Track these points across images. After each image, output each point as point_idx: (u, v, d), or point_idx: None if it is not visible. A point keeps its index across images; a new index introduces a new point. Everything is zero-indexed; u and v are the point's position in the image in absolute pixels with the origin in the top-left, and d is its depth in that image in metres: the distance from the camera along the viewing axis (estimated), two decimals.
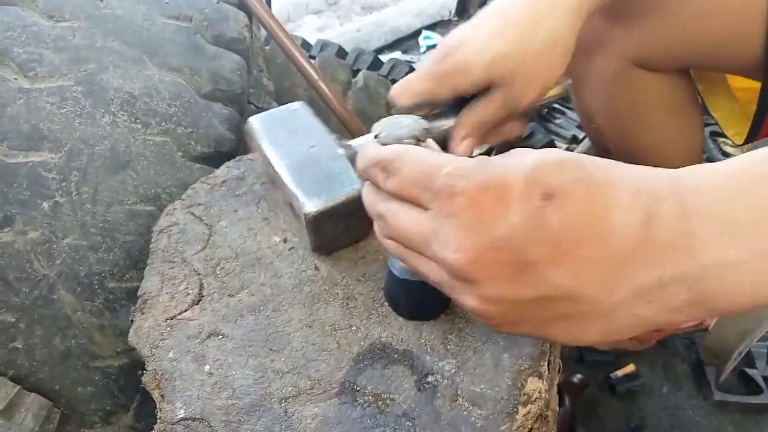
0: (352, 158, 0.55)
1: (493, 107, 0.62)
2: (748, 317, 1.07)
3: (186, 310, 0.59)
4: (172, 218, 0.68)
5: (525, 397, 0.51)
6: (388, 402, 0.52)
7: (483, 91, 0.61)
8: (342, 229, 0.60)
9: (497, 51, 0.59)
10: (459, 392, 0.51)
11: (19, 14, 0.80)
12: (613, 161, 0.36)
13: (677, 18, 0.80)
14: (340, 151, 0.59)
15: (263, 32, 1.19)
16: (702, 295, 0.33)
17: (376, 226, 0.45)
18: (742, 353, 1.14)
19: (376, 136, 0.45)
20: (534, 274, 0.34)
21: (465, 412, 0.50)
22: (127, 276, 0.75)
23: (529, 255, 0.34)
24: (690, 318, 0.35)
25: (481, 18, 0.62)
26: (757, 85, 0.86)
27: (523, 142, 1.40)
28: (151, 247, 0.66)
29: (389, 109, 1.47)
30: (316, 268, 0.62)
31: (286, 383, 0.53)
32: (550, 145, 1.46)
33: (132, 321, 0.60)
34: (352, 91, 1.40)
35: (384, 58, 1.62)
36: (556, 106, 1.69)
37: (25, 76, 0.76)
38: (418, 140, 0.44)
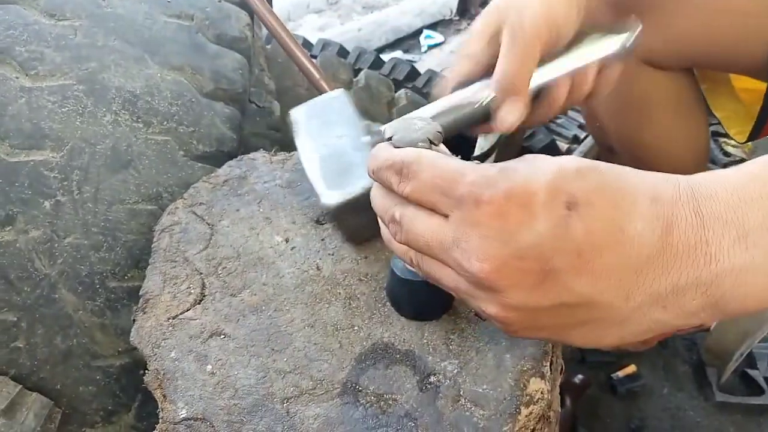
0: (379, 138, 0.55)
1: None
2: (750, 318, 1.07)
3: (188, 310, 0.59)
4: (173, 217, 0.68)
5: (527, 397, 0.51)
6: (390, 402, 0.52)
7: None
8: (368, 219, 0.59)
9: None
10: (461, 393, 0.51)
11: (20, 13, 0.80)
12: (630, 168, 0.37)
13: (685, 15, 0.80)
14: (365, 139, 0.59)
15: (264, 31, 1.19)
16: (716, 299, 0.34)
17: (386, 230, 0.45)
18: (743, 354, 1.13)
19: (388, 138, 0.45)
20: (556, 282, 0.35)
21: (467, 413, 0.50)
22: (129, 275, 0.75)
23: (553, 263, 0.34)
24: (704, 321, 0.36)
25: None
26: (760, 86, 0.86)
27: (525, 142, 1.40)
28: (152, 246, 0.66)
29: (390, 108, 1.47)
30: (318, 268, 0.62)
31: (288, 383, 0.53)
32: (552, 144, 1.46)
33: (134, 320, 0.59)
34: (353, 91, 1.40)
35: (385, 57, 1.62)
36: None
37: (27, 75, 0.76)
38: (431, 143, 0.44)
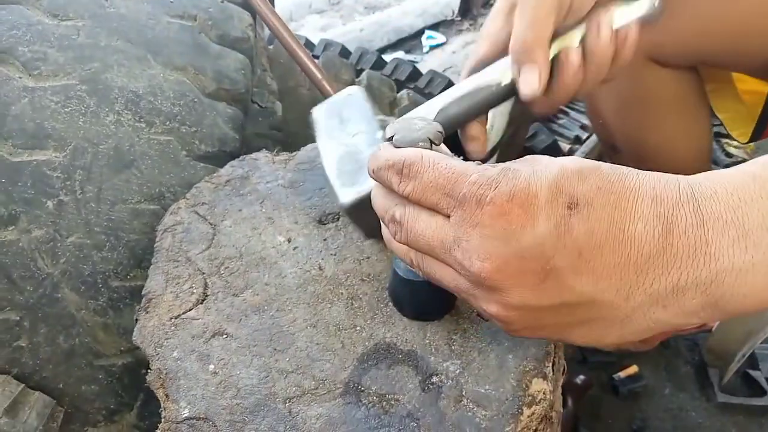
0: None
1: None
2: (752, 319, 1.07)
3: (190, 310, 0.59)
4: (176, 217, 0.68)
5: (530, 398, 0.51)
6: (392, 402, 0.52)
7: None
8: None
9: None
10: (463, 393, 0.51)
11: (23, 13, 0.80)
12: (631, 169, 0.37)
13: (693, 11, 0.80)
14: (379, 135, 0.59)
15: (267, 31, 1.19)
16: (716, 298, 0.34)
17: (386, 230, 0.45)
18: (745, 355, 1.13)
19: (389, 139, 0.45)
20: (557, 281, 0.35)
21: (469, 413, 0.50)
22: (131, 275, 0.75)
23: (554, 263, 0.35)
24: (704, 320, 0.36)
25: None
26: (763, 89, 0.86)
27: (527, 142, 1.40)
28: (155, 246, 0.66)
29: (393, 108, 1.46)
30: (320, 268, 0.62)
31: (291, 383, 0.53)
32: (554, 145, 1.46)
33: (136, 320, 0.60)
34: None
35: (387, 57, 1.62)
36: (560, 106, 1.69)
37: (30, 75, 0.76)
38: (432, 143, 0.44)
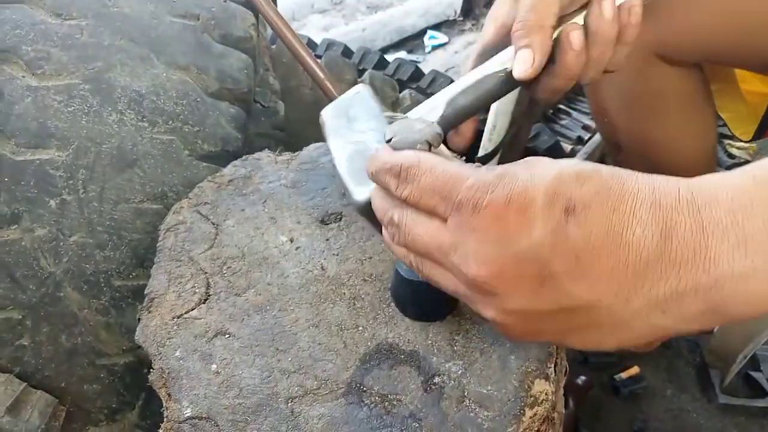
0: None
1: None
2: (754, 321, 1.07)
3: (193, 309, 0.59)
4: (179, 217, 0.68)
5: (532, 399, 0.51)
6: (394, 403, 0.52)
7: None
8: None
9: None
10: (466, 393, 0.51)
11: (26, 12, 0.80)
12: (631, 172, 0.36)
13: (701, 7, 0.80)
14: (387, 131, 0.58)
15: (269, 31, 1.19)
16: (716, 304, 0.34)
17: (386, 232, 0.45)
18: (747, 356, 1.13)
19: (388, 141, 0.45)
20: (554, 286, 0.35)
21: (472, 414, 0.50)
22: (134, 274, 0.75)
23: (551, 268, 0.34)
24: (704, 326, 0.36)
25: None
26: (766, 90, 0.86)
27: (529, 143, 1.40)
28: (158, 245, 0.66)
29: (395, 108, 1.46)
30: (323, 268, 0.62)
31: (293, 383, 0.53)
32: (556, 145, 1.46)
33: (139, 319, 0.60)
34: None
35: (389, 57, 1.62)
36: (562, 107, 1.69)
37: (33, 74, 0.76)
38: (431, 145, 0.44)
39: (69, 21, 0.81)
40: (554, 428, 0.56)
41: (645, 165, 1.04)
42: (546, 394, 0.52)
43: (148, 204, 0.75)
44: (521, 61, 0.54)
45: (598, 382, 1.18)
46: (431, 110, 0.57)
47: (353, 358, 0.55)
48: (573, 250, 0.34)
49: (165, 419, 0.53)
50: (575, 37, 0.54)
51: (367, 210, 0.56)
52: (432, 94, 1.47)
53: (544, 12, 0.53)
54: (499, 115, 1.09)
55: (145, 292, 0.62)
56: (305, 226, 0.67)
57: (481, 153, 1.17)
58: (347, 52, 1.58)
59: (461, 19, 2.66)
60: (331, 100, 1.06)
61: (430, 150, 0.44)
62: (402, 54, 2.49)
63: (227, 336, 0.57)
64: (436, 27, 2.65)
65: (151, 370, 0.56)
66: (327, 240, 0.65)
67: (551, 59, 0.56)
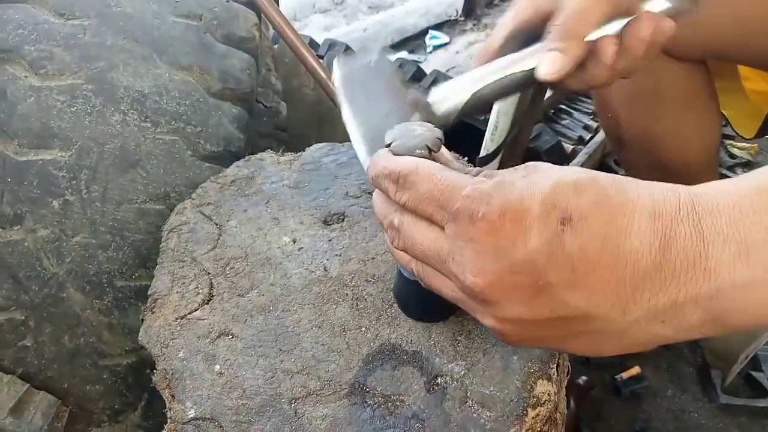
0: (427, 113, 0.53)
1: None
2: None
3: (196, 310, 0.59)
4: (182, 217, 0.68)
5: (534, 399, 0.51)
6: (397, 403, 0.52)
7: None
8: None
9: None
10: (468, 394, 0.51)
11: (29, 12, 0.80)
12: (631, 179, 0.36)
13: (708, 2, 0.79)
14: (414, 118, 0.56)
15: (271, 31, 1.19)
16: (716, 314, 0.34)
17: (386, 236, 0.45)
18: (748, 356, 1.14)
19: (388, 145, 0.45)
20: (550, 296, 0.35)
21: (474, 414, 0.50)
22: (136, 274, 0.75)
23: (546, 278, 0.34)
24: (704, 335, 0.36)
25: None
26: None
27: (531, 143, 1.40)
28: (161, 246, 0.66)
29: None
30: (326, 269, 0.62)
31: (296, 384, 0.53)
32: (557, 146, 1.46)
33: (142, 320, 0.60)
34: None
35: (391, 57, 1.62)
36: (563, 107, 1.69)
37: (36, 74, 0.76)
38: (431, 150, 0.44)
39: (72, 21, 0.81)
40: (556, 428, 0.56)
41: (648, 161, 1.05)
42: (548, 394, 0.52)
43: (150, 204, 0.76)
44: (550, 63, 0.53)
45: (600, 382, 1.18)
46: (454, 94, 0.56)
47: (356, 358, 0.55)
48: (569, 260, 0.34)
49: (168, 420, 0.53)
50: (610, 52, 0.54)
51: None
52: None
53: (585, 20, 0.53)
54: (500, 116, 1.09)
55: (149, 292, 0.62)
56: (308, 227, 0.67)
57: (482, 153, 1.17)
58: (349, 53, 1.58)
59: (462, 19, 2.66)
60: (333, 101, 1.07)
61: (430, 154, 0.44)
62: (403, 54, 2.49)
63: (230, 337, 0.57)
64: (438, 27, 2.65)
65: (155, 370, 0.56)
66: (330, 241, 0.65)
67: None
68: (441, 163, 0.42)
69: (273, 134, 1.05)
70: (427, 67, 1.76)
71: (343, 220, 0.68)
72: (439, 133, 0.46)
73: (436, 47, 2.55)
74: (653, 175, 1.02)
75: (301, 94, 1.24)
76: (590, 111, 1.67)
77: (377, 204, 0.45)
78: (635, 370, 1.19)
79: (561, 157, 1.46)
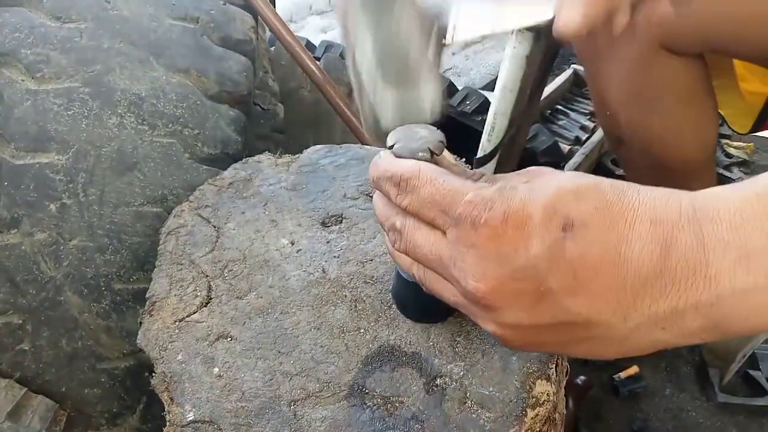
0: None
1: None
2: None
3: (194, 313, 0.59)
4: (179, 220, 0.68)
5: (533, 399, 0.51)
6: (396, 405, 0.52)
7: None
8: None
9: None
10: (468, 395, 0.51)
11: (26, 15, 0.80)
12: (632, 185, 0.36)
13: None
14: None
15: (268, 33, 1.20)
16: (717, 321, 0.34)
17: (387, 238, 0.45)
18: (746, 355, 1.14)
19: (390, 147, 0.45)
20: (552, 302, 0.35)
21: (474, 415, 0.50)
22: (134, 278, 0.75)
23: (548, 284, 0.35)
24: (705, 341, 0.36)
25: None
26: (765, 90, 0.86)
27: (527, 143, 1.40)
28: (159, 249, 0.66)
29: None
30: (324, 271, 0.62)
31: (295, 386, 0.53)
32: (554, 146, 1.46)
33: (140, 323, 0.60)
34: None
35: None
36: (560, 107, 1.69)
37: (32, 78, 0.76)
38: (433, 153, 0.44)
39: (68, 24, 0.81)
40: (556, 429, 0.56)
41: (647, 159, 1.05)
42: (547, 394, 0.52)
43: (148, 207, 0.75)
44: (568, 18, 0.51)
45: (598, 382, 1.19)
46: (474, 24, 0.54)
47: (355, 360, 0.55)
48: (570, 266, 0.34)
49: (167, 423, 0.53)
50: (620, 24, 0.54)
51: None
52: None
53: None
54: (497, 116, 1.09)
55: (147, 295, 0.62)
56: (306, 229, 0.67)
57: (480, 154, 1.17)
58: None
59: None
60: (330, 103, 1.07)
61: (432, 157, 0.44)
62: None
63: (229, 339, 0.57)
64: None
65: (153, 374, 0.56)
66: (328, 242, 0.65)
67: None
68: (443, 167, 0.42)
69: (270, 136, 1.05)
70: None
71: (341, 221, 0.68)
72: (441, 135, 0.46)
73: None
74: (652, 174, 1.01)
75: (299, 96, 1.24)
76: (587, 111, 1.67)
77: (378, 206, 0.45)
78: (633, 369, 1.19)
79: (558, 158, 1.47)
